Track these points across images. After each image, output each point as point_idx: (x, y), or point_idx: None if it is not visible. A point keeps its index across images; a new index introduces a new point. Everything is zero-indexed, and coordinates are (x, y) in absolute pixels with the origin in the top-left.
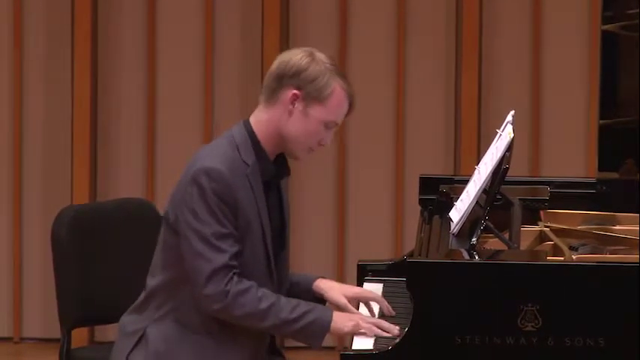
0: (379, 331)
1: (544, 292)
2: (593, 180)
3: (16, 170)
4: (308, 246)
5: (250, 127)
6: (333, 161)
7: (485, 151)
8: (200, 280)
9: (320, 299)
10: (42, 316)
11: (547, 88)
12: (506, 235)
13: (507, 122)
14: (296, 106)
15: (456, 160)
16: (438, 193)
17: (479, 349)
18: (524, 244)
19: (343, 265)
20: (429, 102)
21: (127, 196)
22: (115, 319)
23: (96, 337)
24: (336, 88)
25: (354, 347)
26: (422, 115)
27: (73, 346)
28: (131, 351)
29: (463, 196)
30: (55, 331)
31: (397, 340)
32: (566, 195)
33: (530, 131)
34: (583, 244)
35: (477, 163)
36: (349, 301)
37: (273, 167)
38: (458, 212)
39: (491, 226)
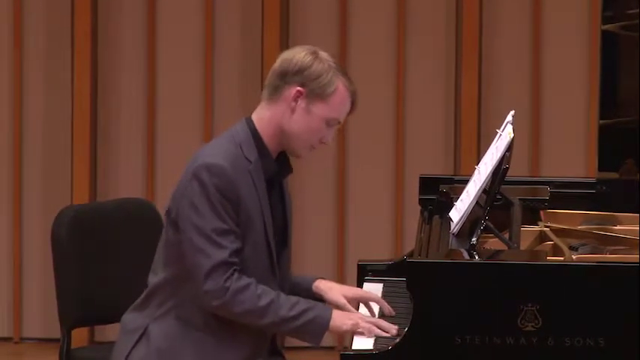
0: (378, 330)
1: (544, 292)
2: (593, 180)
3: (16, 170)
4: (308, 246)
5: (253, 124)
6: (334, 161)
7: (486, 151)
8: (200, 276)
9: (319, 300)
10: (42, 316)
11: (547, 88)
12: (506, 235)
13: (507, 122)
14: (299, 103)
15: (456, 160)
16: (438, 193)
17: (479, 349)
18: (524, 244)
19: (343, 265)
20: (429, 102)
21: (127, 196)
22: (115, 319)
23: (96, 337)
24: (339, 86)
25: (354, 347)
26: (422, 115)
27: (73, 346)
28: (133, 348)
29: (463, 196)
30: (55, 331)
31: (397, 340)
32: (566, 195)
33: (530, 131)
34: (583, 244)
35: (477, 163)
36: (349, 302)
37: (275, 164)
38: (458, 212)
39: (491, 226)
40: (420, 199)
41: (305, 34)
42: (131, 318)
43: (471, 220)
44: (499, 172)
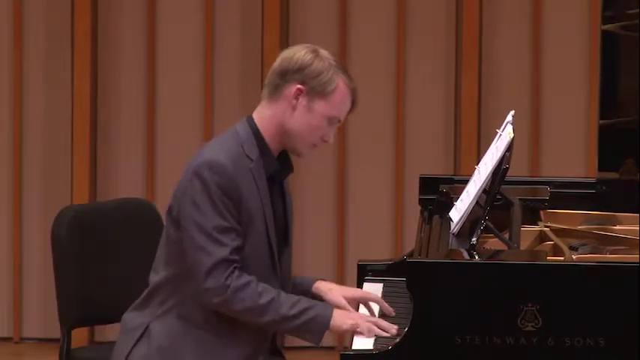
0: (378, 330)
1: (544, 292)
2: (593, 180)
3: (16, 170)
4: (308, 246)
5: (254, 123)
6: (334, 161)
7: (486, 151)
8: (200, 273)
9: (320, 301)
10: (42, 316)
11: (547, 88)
12: (506, 235)
13: (507, 122)
14: (300, 101)
15: (456, 160)
16: (438, 193)
17: (479, 349)
18: (524, 244)
19: (343, 265)
20: (429, 102)
21: (127, 196)
22: (115, 319)
23: (96, 337)
24: (340, 84)
25: (354, 347)
26: (422, 115)
27: (73, 346)
28: (134, 346)
29: (463, 196)
30: (55, 331)
31: (397, 340)
32: (566, 195)
33: (530, 131)
34: (583, 244)
35: (477, 163)
36: (349, 303)
37: (276, 163)
38: (458, 212)
39: (491, 226)
40: (420, 199)
41: (305, 34)
42: (132, 317)
43: (471, 220)
44: (499, 172)
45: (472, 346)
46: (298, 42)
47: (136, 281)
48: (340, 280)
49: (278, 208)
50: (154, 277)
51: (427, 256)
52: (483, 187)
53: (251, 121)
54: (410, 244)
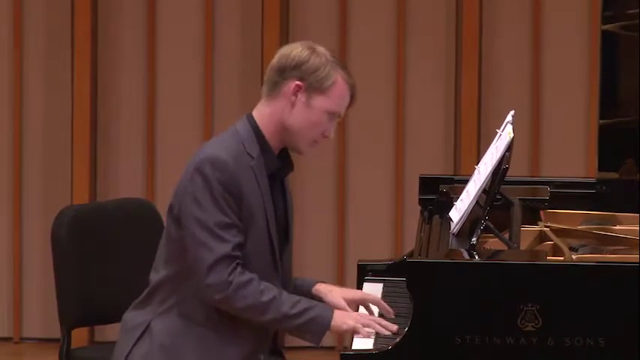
0: (378, 327)
1: (544, 292)
2: (593, 180)
3: (16, 170)
4: (308, 246)
5: (254, 120)
6: (334, 161)
7: (486, 151)
8: (202, 269)
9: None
10: (42, 316)
11: (547, 88)
12: (506, 235)
13: (507, 122)
14: (299, 97)
15: (456, 160)
16: (438, 193)
17: (479, 349)
18: (524, 244)
19: (343, 265)
20: (429, 102)
21: (127, 196)
22: (115, 318)
23: (96, 337)
24: (338, 79)
25: (354, 347)
26: (422, 115)
27: (73, 346)
28: (135, 344)
29: (463, 195)
30: (55, 331)
31: (397, 340)
32: (566, 195)
33: (530, 131)
34: (583, 245)
35: (477, 163)
36: (348, 304)
37: (277, 160)
38: (458, 212)
39: (491, 226)
40: (420, 199)
41: (305, 35)
42: (132, 316)
43: (471, 220)
44: (499, 172)
45: (472, 346)
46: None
47: (136, 281)
48: (340, 280)
49: (279, 206)
50: (155, 276)
51: (427, 256)
52: (483, 187)
53: (251, 119)
54: (410, 244)
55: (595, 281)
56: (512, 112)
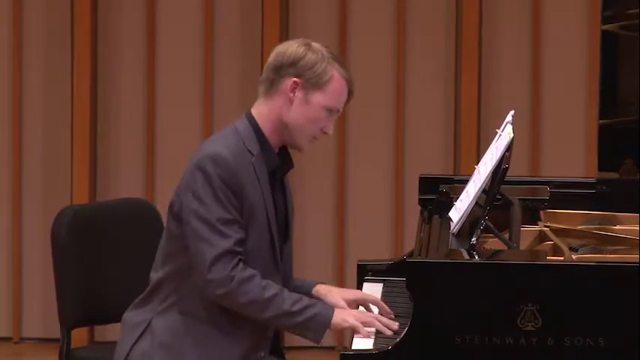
0: (379, 324)
1: (544, 292)
2: (593, 180)
3: (16, 170)
4: (308, 246)
5: (253, 118)
6: (333, 161)
7: (485, 151)
8: (204, 264)
9: None
10: (42, 316)
11: (547, 88)
12: (506, 235)
13: (507, 122)
14: (296, 94)
15: (456, 160)
16: (437, 193)
17: (479, 349)
18: (524, 244)
19: (343, 265)
20: (429, 102)
21: (127, 196)
22: (115, 318)
23: (96, 337)
24: (335, 74)
25: (353, 347)
26: (422, 115)
27: (73, 346)
28: (135, 342)
29: (463, 196)
30: (55, 331)
31: (397, 340)
32: (566, 195)
33: (530, 131)
34: (583, 245)
35: (477, 163)
36: (348, 305)
37: (277, 158)
38: (457, 212)
39: (491, 226)
40: (419, 199)
41: (305, 35)
42: (132, 315)
43: (471, 220)
44: (499, 172)
45: (472, 346)
46: None
47: (136, 281)
48: (340, 280)
49: (279, 204)
50: (155, 275)
51: (427, 256)
52: (483, 187)
53: (250, 117)
54: (410, 244)
55: (595, 281)
56: (512, 112)
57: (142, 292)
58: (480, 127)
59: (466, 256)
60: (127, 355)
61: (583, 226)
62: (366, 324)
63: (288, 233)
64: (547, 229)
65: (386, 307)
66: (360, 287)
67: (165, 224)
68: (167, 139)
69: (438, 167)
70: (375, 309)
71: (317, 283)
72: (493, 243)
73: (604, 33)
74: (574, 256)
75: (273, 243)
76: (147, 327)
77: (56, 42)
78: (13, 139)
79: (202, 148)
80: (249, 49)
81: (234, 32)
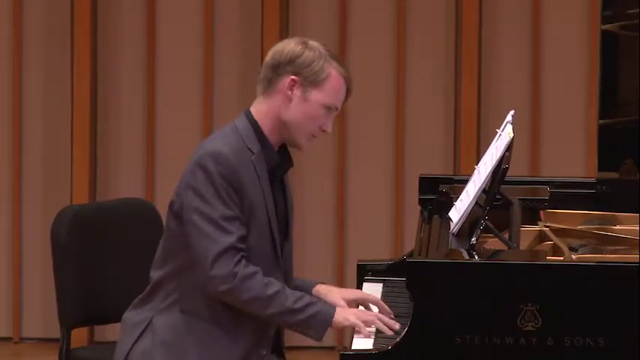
0: (380, 324)
1: (544, 292)
2: (593, 180)
3: (16, 170)
4: (308, 246)
5: (252, 116)
6: (333, 161)
7: (485, 151)
8: (207, 261)
9: None
10: (42, 316)
11: (547, 88)
12: (506, 235)
13: (507, 122)
14: (294, 92)
15: (456, 160)
16: (437, 193)
17: (479, 349)
18: (524, 244)
19: (343, 265)
20: (429, 102)
21: (127, 196)
22: (114, 318)
23: (96, 337)
24: (332, 72)
25: (353, 347)
26: (422, 115)
27: (73, 346)
28: (136, 341)
29: (463, 196)
30: (55, 331)
31: (397, 340)
32: (566, 195)
33: (530, 131)
34: (583, 245)
35: (477, 163)
36: (348, 305)
37: (277, 156)
38: (457, 212)
39: (491, 226)
40: (419, 199)
41: (305, 35)
42: (132, 315)
43: (471, 220)
44: (499, 172)
45: (472, 345)
46: None
47: (136, 281)
48: (340, 280)
49: (279, 202)
50: (155, 274)
51: (427, 256)
52: (483, 187)
53: (249, 115)
54: (410, 244)
55: (595, 281)
56: (512, 112)
57: (141, 292)
58: (480, 127)
59: (466, 256)
60: (127, 354)
61: (583, 226)
62: (367, 323)
63: (288, 231)
64: (547, 229)
65: (386, 307)
66: (360, 287)
67: (164, 224)
68: (167, 139)
69: (438, 167)
70: (375, 308)
71: (317, 283)
72: (493, 243)
73: (604, 33)
74: (574, 256)
75: (274, 240)
76: (148, 325)
77: (56, 42)
78: (13, 139)
79: (202, 146)
80: (249, 49)
81: (234, 32)
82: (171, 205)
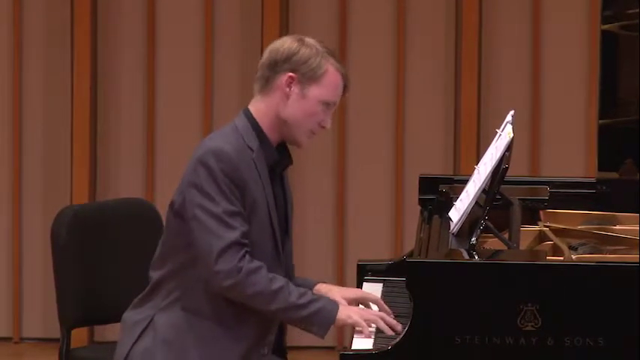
0: (382, 323)
1: (544, 292)
2: (593, 180)
3: (16, 170)
4: (308, 246)
5: (251, 115)
6: (333, 161)
7: (485, 151)
8: (211, 256)
9: None
10: (42, 316)
11: (547, 88)
12: (506, 235)
13: (507, 122)
14: (292, 89)
15: (456, 160)
16: (437, 193)
17: (479, 349)
18: (524, 244)
19: (343, 265)
20: (429, 102)
21: (127, 196)
22: (115, 318)
23: (96, 337)
24: (329, 68)
25: (353, 347)
26: (422, 115)
27: (73, 346)
28: (137, 340)
29: (463, 195)
30: (55, 331)
31: (397, 340)
32: (566, 195)
33: (530, 131)
34: (583, 244)
35: (477, 163)
36: (349, 304)
37: (276, 153)
38: (457, 212)
39: (491, 226)
40: (419, 199)
41: (305, 35)
42: (132, 314)
43: (471, 220)
44: (499, 172)
45: (472, 346)
46: None
47: (135, 281)
48: (340, 280)
49: (279, 200)
50: (155, 273)
51: (427, 256)
52: (483, 187)
53: (248, 114)
54: (410, 244)
55: (595, 281)
56: (512, 112)
57: (141, 291)
58: (479, 127)
59: (466, 256)
60: (128, 353)
61: (583, 226)
62: (369, 322)
63: (288, 228)
64: (547, 229)
65: (386, 307)
66: (360, 287)
67: (164, 223)
68: (167, 139)
69: (438, 167)
70: (375, 308)
71: (318, 282)
72: (493, 243)
73: (604, 33)
74: (574, 256)
75: (275, 237)
76: (149, 324)
77: (56, 42)
78: (13, 139)
79: (203, 144)
80: (249, 49)
81: (234, 32)
82: (171, 204)
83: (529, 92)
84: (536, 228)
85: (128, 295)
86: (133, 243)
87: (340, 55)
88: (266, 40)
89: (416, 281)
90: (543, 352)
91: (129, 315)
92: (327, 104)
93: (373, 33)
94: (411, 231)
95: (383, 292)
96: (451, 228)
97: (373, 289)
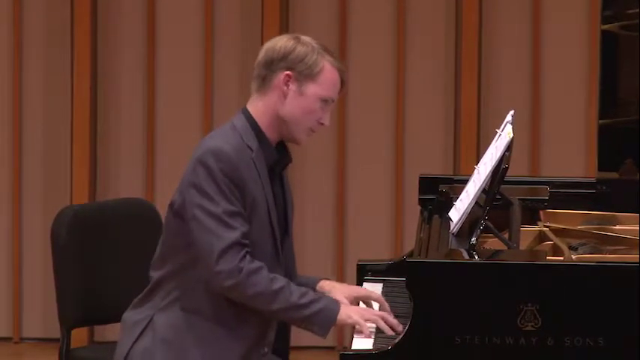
0: (383, 323)
1: (544, 291)
2: (593, 180)
3: (16, 170)
4: (308, 246)
5: (250, 114)
6: (333, 161)
7: (485, 151)
8: (212, 257)
9: None
10: (42, 316)
11: (547, 88)
12: (506, 235)
13: (507, 122)
14: (290, 87)
15: (456, 159)
16: (437, 193)
17: (479, 349)
18: (524, 244)
19: (343, 265)
20: (429, 102)
21: (127, 196)
22: (114, 318)
23: (96, 337)
24: (326, 65)
25: (353, 347)
26: (422, 115)
27: (73, 346)
28: (136, 340)
29: (463, 195)
30: (55, 331)
31: (397, 340)
32: (566, 195)
33: (530, 131)
34: (583, 244)
35: (477, 163)
36: (351, 301)
37: (275, 152)
38: (457, 212)
39: (491, 226)
40: (419, 199)
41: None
42: (132, 314)
43: (471, 220)
44: (499, 172)
45: (472, 346)
46: None
47: (135, 281)
48: (340, 280)
49: (278, 199)
50: (155, 273)
51: (427, 256)
52: (483, 187)
53: (247, 113)
54: (410, 244)
55: (595, 281)
56: (512, 112)
57: (141, 291)
58: (479, 127)
59: (466, 256)
60: (128, 353)
61: (583, 226)
62: (369, 322)
63: (288, 227)
64: (547, 229)
65: (387, 305)
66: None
67: (164, 223)
68: (167, 139)
69: (438, 167)
70: (376, 306)
71: (321, 279)
72: (493, 243)
73: (604, 33)
74: (574, 256)
75: (275, 237)
76: (148, 323)
77: (56, 42)
78: (13, 139)
79: (203, 144)
80: (249, 49)
81: (234, 32)
82: (171, 204)
83: (529, 92)
84: (536, 228)
85: (128, 295)
86: (133, 243)
87: (340, 55)
88: (266, 40)
89: (416, 281)
90: (543, 352)
91: (129, 315)
92: (325, 101)
93: (373, 33)
94: (411, 231)
95: (383, 292)
96: (451, 228)
97: (373, 289)
